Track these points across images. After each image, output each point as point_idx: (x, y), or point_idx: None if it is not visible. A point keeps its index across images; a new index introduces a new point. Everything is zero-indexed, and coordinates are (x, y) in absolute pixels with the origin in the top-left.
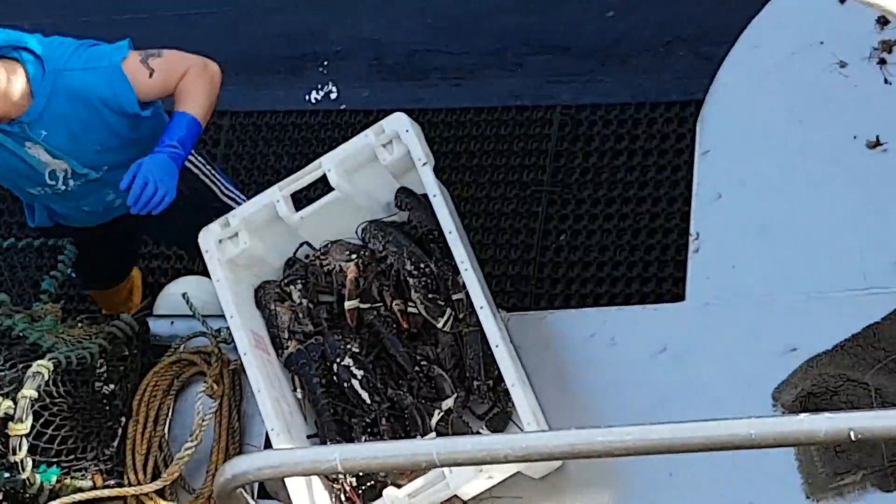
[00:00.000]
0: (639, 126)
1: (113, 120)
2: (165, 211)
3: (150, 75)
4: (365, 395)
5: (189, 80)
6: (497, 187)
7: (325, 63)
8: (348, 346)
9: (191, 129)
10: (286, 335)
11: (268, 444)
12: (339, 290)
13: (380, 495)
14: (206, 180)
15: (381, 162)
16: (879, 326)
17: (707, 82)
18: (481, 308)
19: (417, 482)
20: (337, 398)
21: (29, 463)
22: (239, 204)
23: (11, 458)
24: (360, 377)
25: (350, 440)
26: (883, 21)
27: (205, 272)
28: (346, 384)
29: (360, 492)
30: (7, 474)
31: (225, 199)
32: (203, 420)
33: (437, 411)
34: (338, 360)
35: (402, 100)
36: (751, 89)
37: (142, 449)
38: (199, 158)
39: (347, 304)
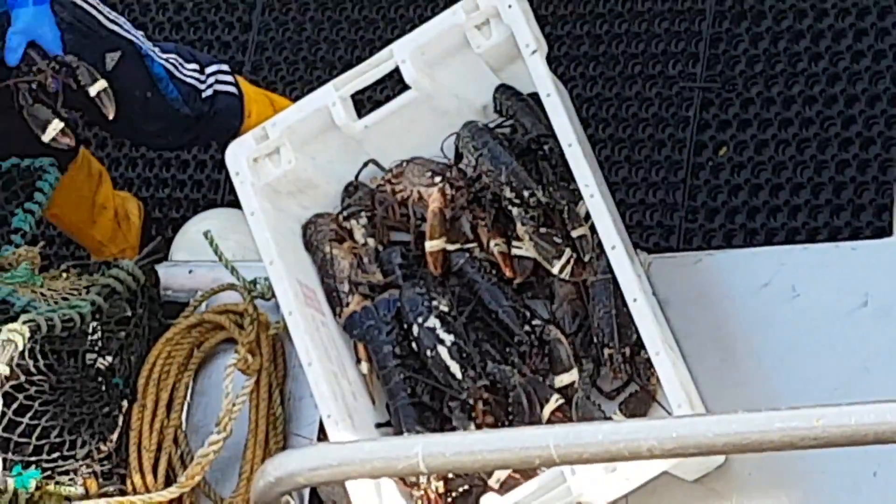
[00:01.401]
0: None
1: None
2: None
3: None
4: (455, 368)
5: None
6: (633, 83)
7: None
8: (434, 303)
9: None
10: (346, 288)
11: (322, 437)
12: (418, 225)
13: None
14: (85, 4)
15: (474, 49)
16: None
17: None
18: (613, 248)
19: (528, 487)
20: (417, 372)
21: None
22: (128, 31)
23: None
24: (448, 343)
25: (435, 432)
26: None
27: (235, 203)
28: (429, 353)
29: (450, 500)
30: None
31: (111, 25)
32: (234, 404)
33: (554, 397)
34: (419, 320)
35: None
36: None
37: (151, 444)
38: None
39: (429, 245)
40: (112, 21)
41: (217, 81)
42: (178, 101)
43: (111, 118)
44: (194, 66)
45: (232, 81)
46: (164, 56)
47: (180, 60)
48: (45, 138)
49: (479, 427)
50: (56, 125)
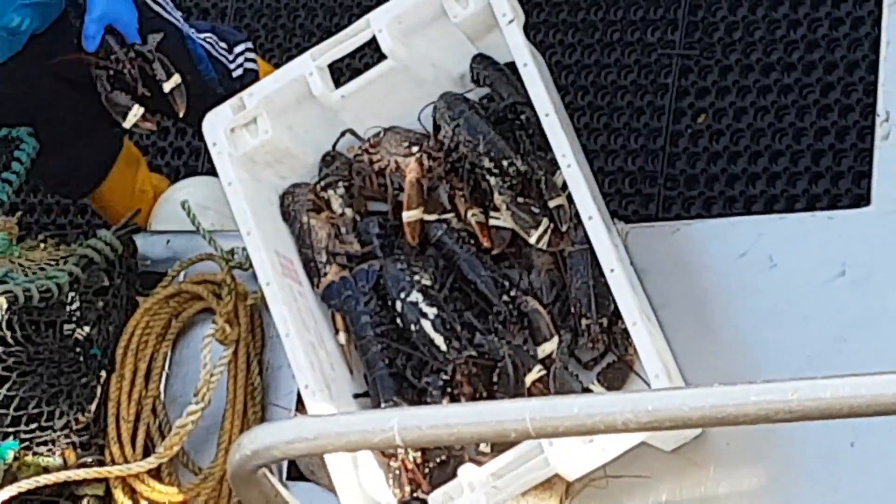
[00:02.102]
0: None
1: None
2: None
3: None
4: (440, 341)
5: None
6: (611, 51)
7: None
8: (416, 277)
9: None
10: (324, 258)
11: (300, 407)
12: (396, 195)
13: (453, 475)
14: None
15: (451, 19)
16: None
17: None
18: (590, 219)
19: (505, 458)
20: (396, 342)
21: None
22: (169, 13)
23: None
24: (431, 317)
25: (413, 402)
26: None
27: (215, 171)
28: (413, 327)
29: (427, 470)
30: None
31: (155, 6)
32: (212, 374)
33: (536, 368)
34: (402, 295)
35: None
36: None
37: (129, 414)
38: None
39: (407, 216)
40: (156, 1)
41: (246, 59)
42: (215, 81)
43: (180, 116)
44: (224, 44)
45: (255, 58)
46: (202, 36)
47: (216, 39)
48: (127, 125)
49: (455, 398)
50: (136, 111)
